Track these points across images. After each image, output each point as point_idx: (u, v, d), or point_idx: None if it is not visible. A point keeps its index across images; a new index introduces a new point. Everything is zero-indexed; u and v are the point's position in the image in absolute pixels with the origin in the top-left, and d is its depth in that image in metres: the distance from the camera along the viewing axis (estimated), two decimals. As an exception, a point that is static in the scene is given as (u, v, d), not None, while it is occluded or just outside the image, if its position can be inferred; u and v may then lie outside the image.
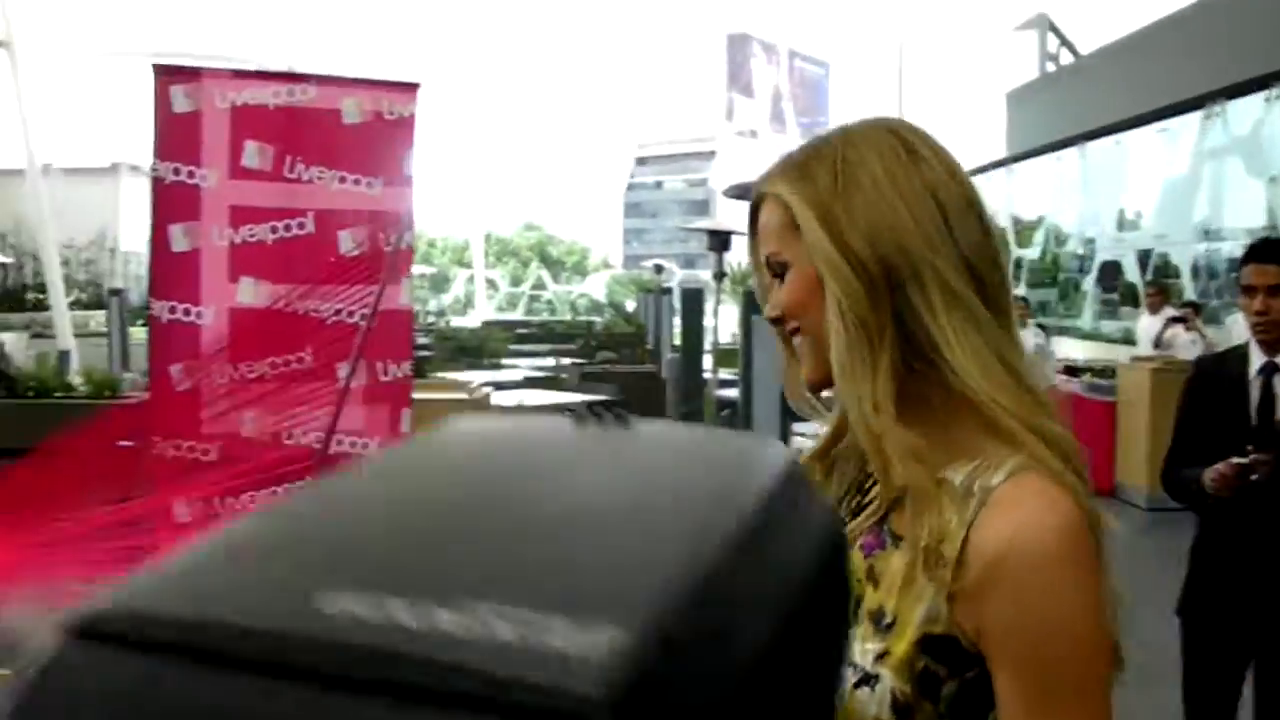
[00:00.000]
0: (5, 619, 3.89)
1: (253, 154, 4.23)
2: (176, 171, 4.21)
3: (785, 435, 4.73)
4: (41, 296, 22.68)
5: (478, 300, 38.11)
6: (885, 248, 1.14)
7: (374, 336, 4.10)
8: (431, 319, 27.46)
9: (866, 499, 1.21)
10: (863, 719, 1.10)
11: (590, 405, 0.72)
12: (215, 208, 4.22)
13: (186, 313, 4.24)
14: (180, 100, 4.21)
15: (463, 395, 6.65)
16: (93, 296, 25.76)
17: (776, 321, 1.25)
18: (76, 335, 17.14)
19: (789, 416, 4.90)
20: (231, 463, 4.16)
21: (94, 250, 26.69)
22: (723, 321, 11.92)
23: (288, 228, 4.25)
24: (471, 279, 40.19)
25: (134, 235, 27.60)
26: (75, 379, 9.20)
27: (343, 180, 4.26)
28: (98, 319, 22.32)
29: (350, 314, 4.20)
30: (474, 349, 15.08)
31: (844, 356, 1.14)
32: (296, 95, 4.26)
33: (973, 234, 1.16)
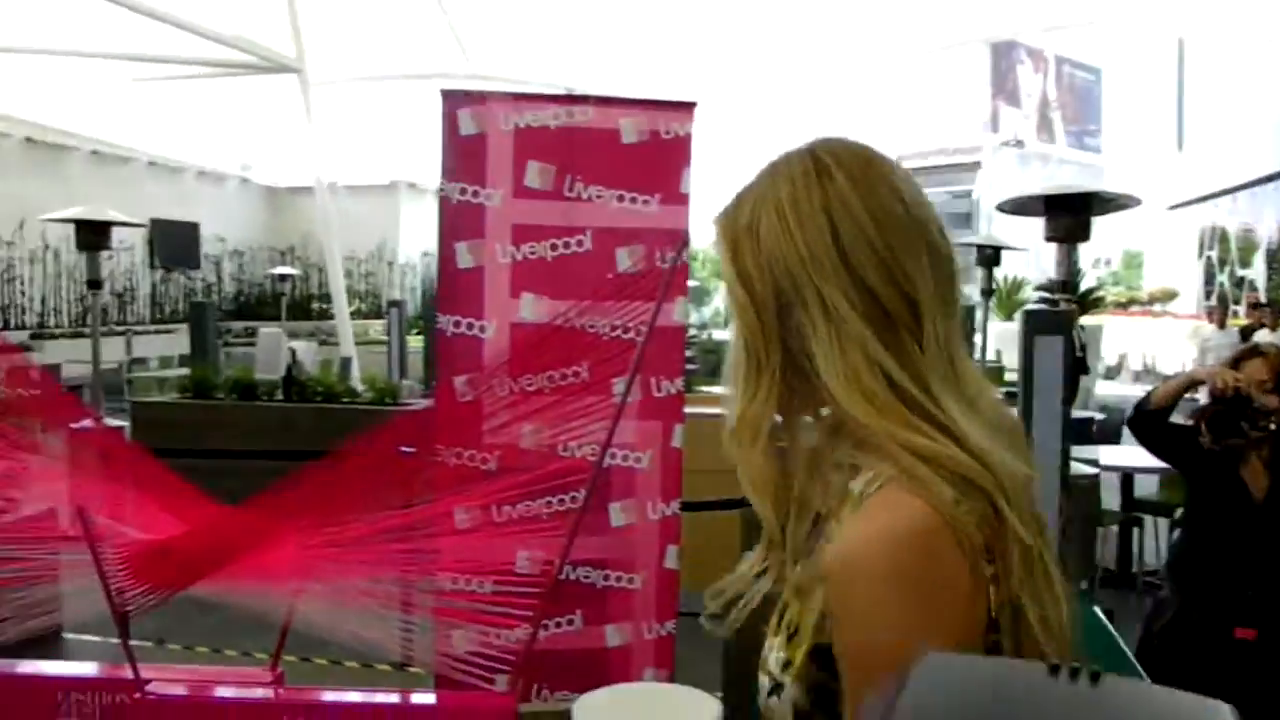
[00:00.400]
0: (299, 615, 4.17)
1: (534, 174, 4.32)
2: (463, 192, 4.33)
3: (1066, 460, 4.53)
4: (326, 306, 23.88)
5: (738, 314, 38.22)
6: (776, 274, 1.19)
7: (649, 352, 4.11)
8: (693, 332, 27.77)
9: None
10: None
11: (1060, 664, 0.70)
12: (499, 226, 4.32)
13: (470, 327, 4.35)
14: (467, 123, 4.33)
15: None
16: (371, 306, 26.88)
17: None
18: (357, 343, 18.02)
19: (1070, 439, 4.70)
20: (510, 472, 4.21)
21: (373, 263, 27.80)
22: (990, 338, 11.55)
23: (567, 245, 4.32)
24: (732, 293, 40.34)
25: (410, 249, 28.67)
26: (358, 385, 9.66)
27: (621, 199, 4.31)
28: (375, 328, 23.36)
29: (626, 330, 4.19)
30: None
31: (735, 378, 1.22)
32: (576, 116, 4.31)
33: (871, 252, 1.17)
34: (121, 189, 22.18)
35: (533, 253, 4.33)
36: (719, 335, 24.90)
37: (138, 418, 9.52)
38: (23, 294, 21.17)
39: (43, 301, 21.63)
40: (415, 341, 18.27)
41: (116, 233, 6.51)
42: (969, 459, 1.11)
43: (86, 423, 5.30)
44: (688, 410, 4.54)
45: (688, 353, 4.63)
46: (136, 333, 21.82)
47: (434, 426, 4.36)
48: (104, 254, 6.48)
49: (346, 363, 15.91)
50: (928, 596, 1.04)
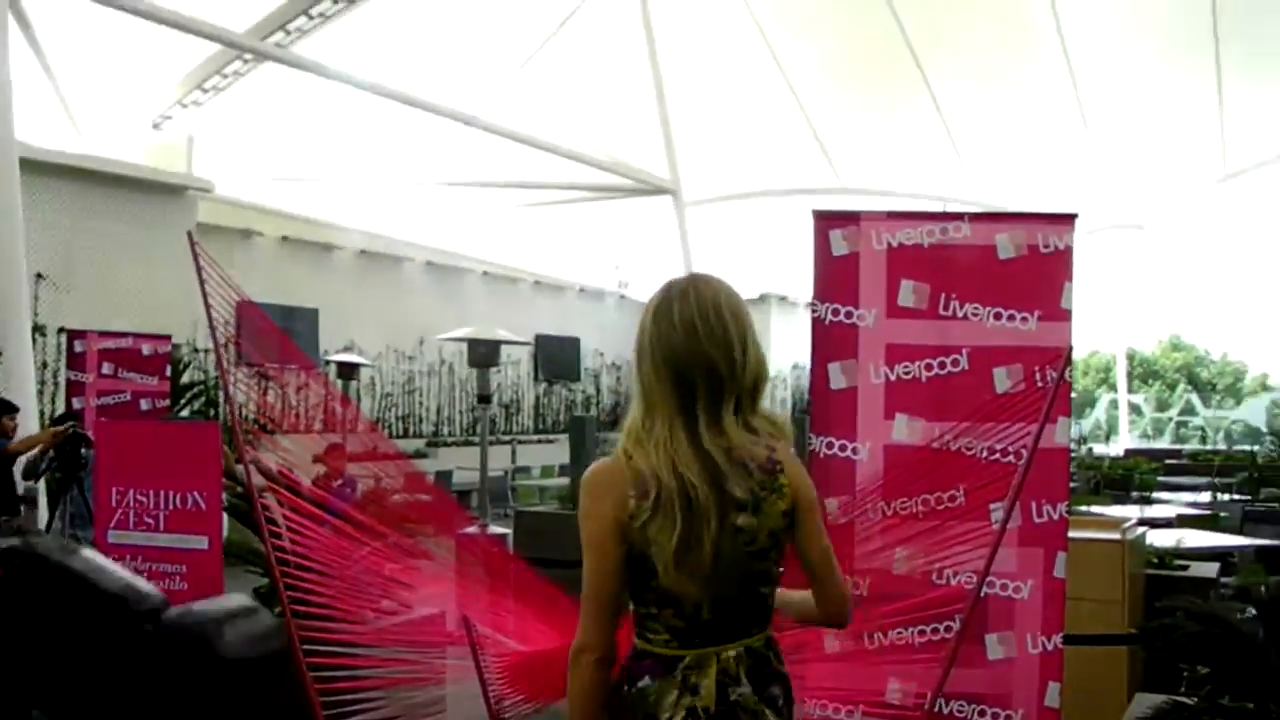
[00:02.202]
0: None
1: (908, 293, 4.30)
2: (835, 312, 4.36)
3: None
4: None
5: (1121, 426, 35.95)
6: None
7: (1030, 475, 3.93)
8: (1072, 449, 26.32)
9: None
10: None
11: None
12: (872, 346, 4.31)
13: (843, 448, 4.33)
14: (839, 244, 4.37)
15: (1115, 535, 6.24)
16: None
17: None
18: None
19: None
20: (883, 600, 4.14)
21: None
22: None
23: (942, 365, 4.27)
24: (1114, 403, 38.01)
25: (781, 361, 28.74)
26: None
27: (998, 316, 4.24)
28: (746, 440, 23.76)
29: (1006, 453, 4.05)
30: (1119, 481, 14.28)
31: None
32: (950, 234, 4.29)
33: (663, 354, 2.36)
34: (509, 307, 23.75)
35: (907, 373, 4.29)
36: (1099, 450, 23.51)
37: (520, 525, 9.97)
38: (421, 404, 22.91)
39: (438, 412, 23.31)
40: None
41: (504, 348, 6.89)
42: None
43: (473, 529, 5.62)
44: (1071, 535, 4.34)
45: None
46: (521, 442, 23.11)
47: None
48: (493, 369, 6.86)
49: None
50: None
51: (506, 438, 23.14)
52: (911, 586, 4.14)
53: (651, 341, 2.32)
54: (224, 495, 6.64)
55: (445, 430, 23.14)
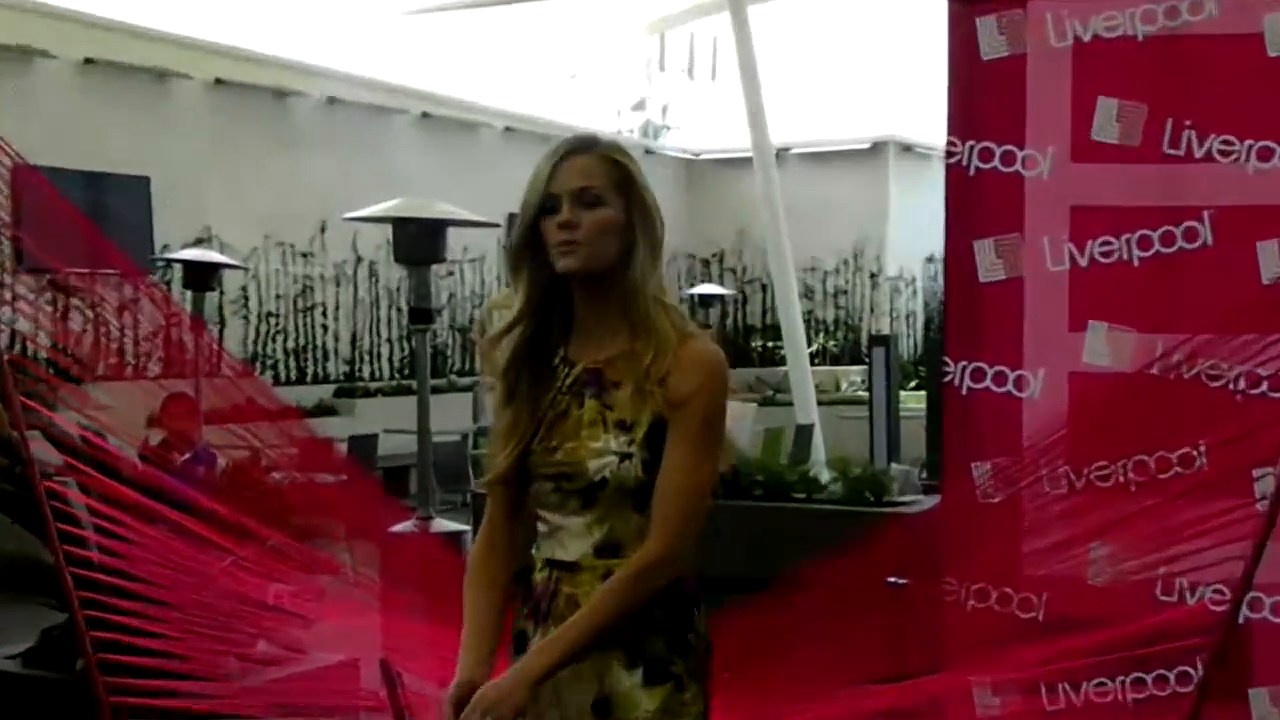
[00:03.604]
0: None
1: (1109, 119, 4.05)
2: (987, 154, 4.14)
3: None
4: (773, 345, 23.18)
5: None
6: (660, 218, 3.02)
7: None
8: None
9: (564, 379, 2.98)
10: (626, 479, 2.86)
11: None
12: (1047, 210, 4.12)
13: (1000, 379, 4.17)
14: (992, 40, 4.13)
15: None
16: (844, 344, 25.69)
17: (567, 227, 2.86)
18: (821, 403, 17.63)
19: None
20: (1070, 627, 3.99)
21: (846, 274, 26.32)
22: None
23: (1168, 239, 4.02)
24: None
25: (906, 251, 26.87)
26: (822, 472, 9.40)
27: (1265, 156, 3.93)
28: (851, 378, 22.65)
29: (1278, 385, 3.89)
30: None
31: (643, 266, 2.91)
32: (1184, 16, 3.99)
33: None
34: (460, 161, 22.70)
35: (1108, 253, 4.05)
36: None
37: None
38: (325, 330, 21.44)
39: (353, 341, 21.89)
40: (914, 400, 17.64)
41: (455, 234, 6.40)
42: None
43: (407, 526, 5.43)
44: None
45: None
46: (489, 388, 21.94)
47: (941, 543, 4.35)
48: (438, 269, 6.42)
49: (804, 434, 15.71)
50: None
51: (465, 380, 22.26)
52: (1119, 606, 3.98)
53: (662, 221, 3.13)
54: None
55: (365, 371, 22.15)
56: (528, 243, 2.93)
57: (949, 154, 4.21)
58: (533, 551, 3.11)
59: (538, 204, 2.90)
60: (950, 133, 4.20)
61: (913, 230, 25.21)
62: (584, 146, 2.94)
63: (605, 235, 2.87)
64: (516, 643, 3.08)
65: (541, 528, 3.10)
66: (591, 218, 2.85)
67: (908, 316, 26.33)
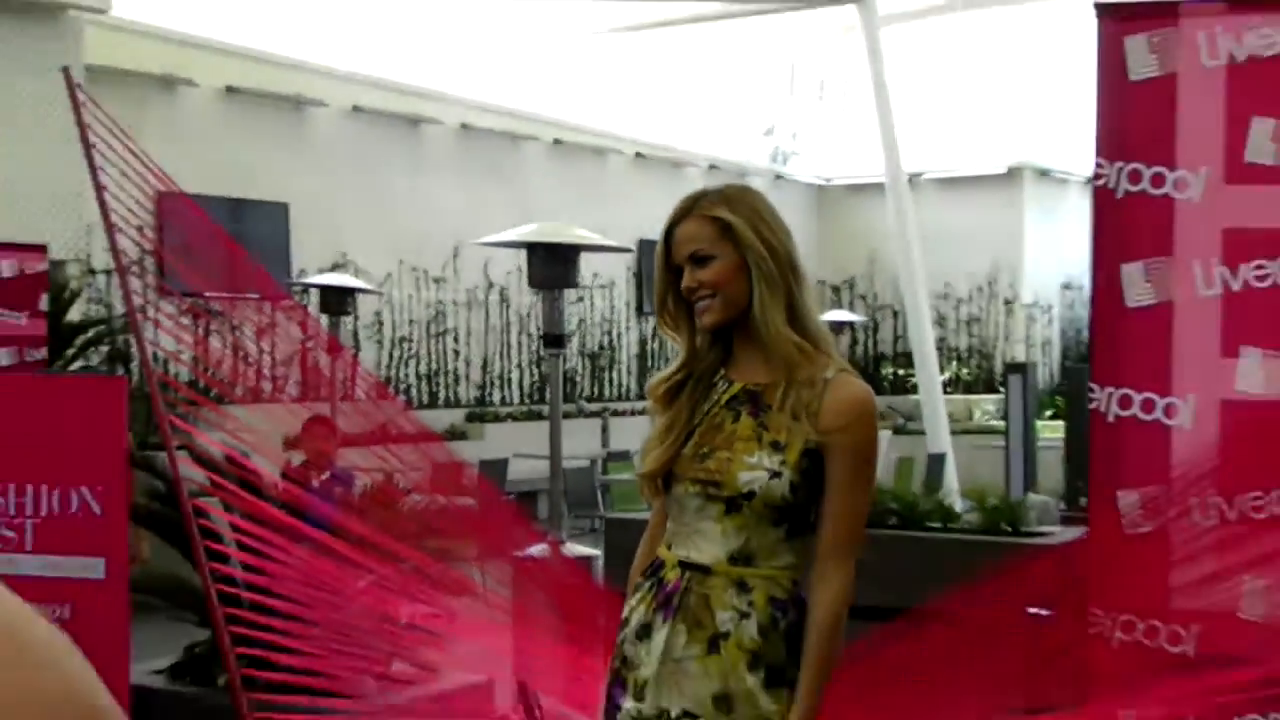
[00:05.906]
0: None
1: (1263, 140, 4.00)
2: (1136, 176, 4.09)
3: None
4: (905, 373, 23.03)
5: None
6: (785, 249, 3.41)
7: None
8: None
9: (722, 393, 3.38)
10: (773, 495, 3.23)
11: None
12: (1199, 232, 4.06)
13: (1148, 406, 4.11)
14: (1142, 58, 4.09)
15: None
16: (978, 373, 25.39)
17: (692, 291, 3.30)
18: (955, 432, 17.54)
19: None
20: (1222, 663, 3.96)
21: (981, 301, 26.00)
22: None
23: None
24: None
25: (1043, 277, 26.35)
26: (956, 501, 9.33)
27: None
28: (986, 407, 22.55)
29: None
30: None
31: (762, 300, 3.29)
32: None
33: (797, 250, 3.49)
34: (594, 190, 22.88)
35: (1262, 277, 4.00)
36: None
37: (615, 542, 9.35)
38: (457, 354, 21.75)
39: (484, 366, 22.22)
40: (1051, 430, 17.45)
41: (588, 259, 6.47)
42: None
43: (540, 549, 5.38)
44: None
45: None
46: (616, 413, 21.57)
47: (1086, 575, 4.29)
48: (569, 295, 6.44)
49: (937, 464, 15.69)
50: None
51: (593, 406, 22.31)
52: (1274, 642, 3.93)
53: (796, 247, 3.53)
54: (135, 496, 6.35)
55: (496, 395, 22.23)
56: (678, 301, 3.38)
57: (1096, 176, 4.18)
58: (665, 549, 3.42)
59: (666, 278, 3.39)
60: (1098, 154, 4.16)
61: (1049, 256, 24.99)
62: (683, 213, 3.37)
63: (727, 284, 3.29)
64: (639, 631, 3.36)
65: (677, 527, 3.41)
66: (708, 275, 3.28)
67: (1043, 345, 25.89)
